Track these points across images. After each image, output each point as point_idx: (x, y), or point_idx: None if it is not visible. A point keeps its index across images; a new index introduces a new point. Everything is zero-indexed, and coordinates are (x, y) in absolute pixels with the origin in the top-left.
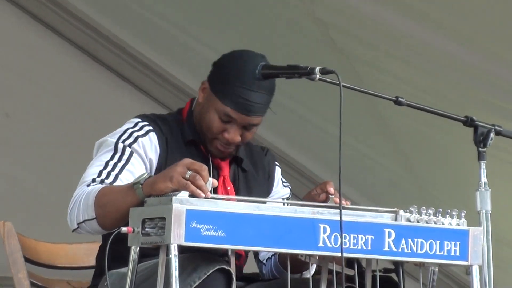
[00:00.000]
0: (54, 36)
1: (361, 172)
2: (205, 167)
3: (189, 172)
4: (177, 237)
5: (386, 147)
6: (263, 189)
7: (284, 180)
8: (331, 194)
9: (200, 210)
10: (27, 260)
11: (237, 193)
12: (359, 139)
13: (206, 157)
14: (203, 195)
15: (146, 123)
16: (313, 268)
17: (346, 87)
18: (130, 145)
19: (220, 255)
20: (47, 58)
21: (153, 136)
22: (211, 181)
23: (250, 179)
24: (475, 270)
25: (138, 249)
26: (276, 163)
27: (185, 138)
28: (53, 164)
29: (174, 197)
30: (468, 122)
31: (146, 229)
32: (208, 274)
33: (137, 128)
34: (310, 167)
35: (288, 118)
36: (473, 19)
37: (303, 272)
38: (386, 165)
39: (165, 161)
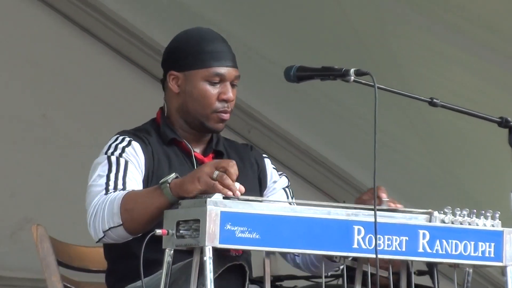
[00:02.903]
0: (89, 38)
1: (397, 171)
2: (233, 163)
3: (216, 172)
4: (212, 239)
5: (423, 145)
6: (254, 184)
7: (277, 169)
8: (385, 199)
9: (235, 212)
10: (60, 263)
11: None
12: (395, 137)
13: (190, 153)
14: (230, 193)
15: (125, 135)
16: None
17: (381, 89)
18: (121, 155)
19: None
20: (82, 59)
21: (135, 144)
22: (238, 186)
23: (239, 174)
24: (510, 271)
25: (172, 251)
26: (264, 155)
27: (165, 139)
28: (89, 166)
29: (208, 199)
30: (503, 123)
31: (181, 231)
32: (219, 272)
33: (119, 141)
34: (344, 167)
35: (323, 116)
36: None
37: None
38: (422, 164)
39: (152, 165)
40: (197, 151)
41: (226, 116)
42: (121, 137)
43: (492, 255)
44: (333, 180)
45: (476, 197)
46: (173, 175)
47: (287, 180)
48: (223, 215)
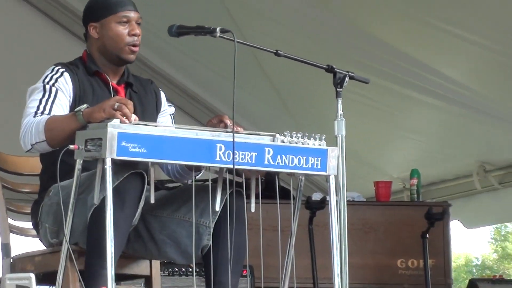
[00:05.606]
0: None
1: (250, 105)
2: (130, 102)
3: (117, 104)
4: (111, 153)
5: (267, 90)
6: (153, 107)
7: (168, 101)
8: (229, 125)
9: (128, 133)
10: None
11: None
12: (247, 84)
13: (108, 83)
14: (127, 121)
15: (60, 66)
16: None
17: (239, 43)
18: (53, 85)
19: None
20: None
21: (66, 75)
22: (134, 117)
23: (142, 99)
24: (332, 179)
25: (81, 161)
26: (160, 89)
27: (90, 71)
28: (20, 97)
29: (109, 123)
30: (329, 69)
31: (88, 147)
32: (124, 176)
33: (54, 72)
34: (212, 102)
35: (197, 66)
36: None
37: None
38: (268, 102)
39: (79, 91)
40: (113, 81)
41: (136, 48)
42: (56, 68)
43: (319, 166)
44: (200, 109)
45: (307, 125)
46: (84, 105)
47: (174, 109)
48: (120, 135)
